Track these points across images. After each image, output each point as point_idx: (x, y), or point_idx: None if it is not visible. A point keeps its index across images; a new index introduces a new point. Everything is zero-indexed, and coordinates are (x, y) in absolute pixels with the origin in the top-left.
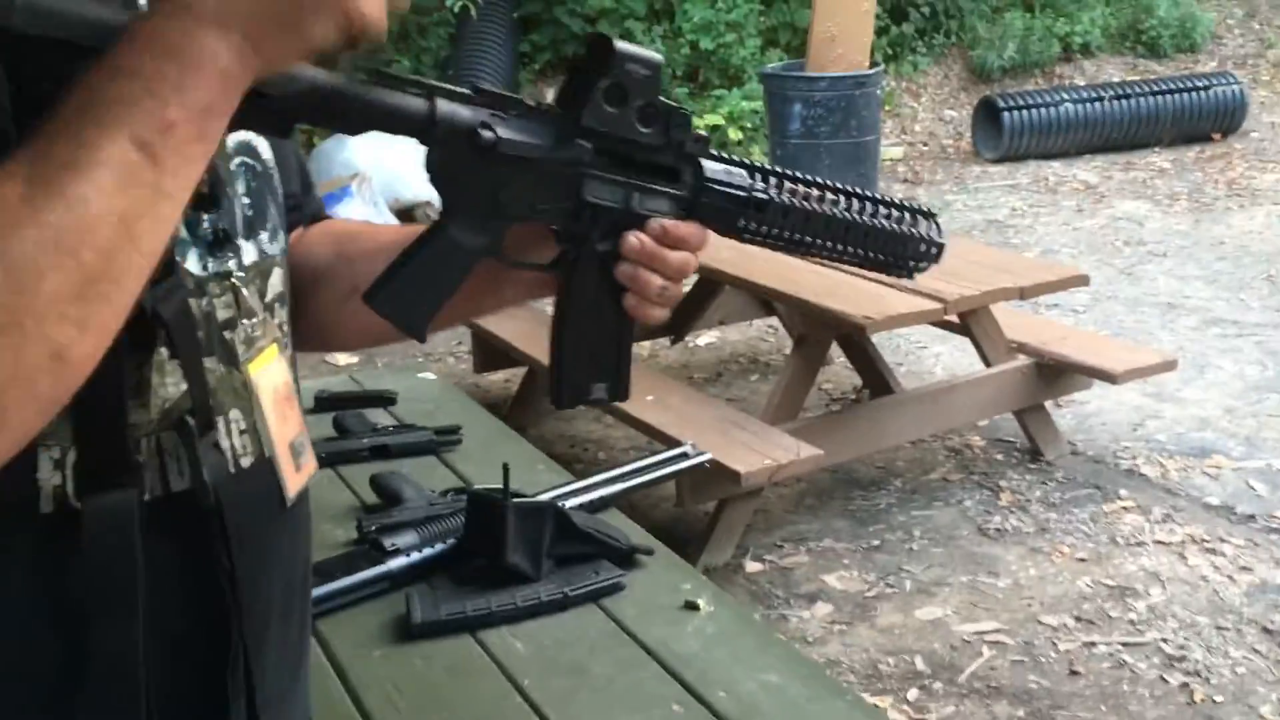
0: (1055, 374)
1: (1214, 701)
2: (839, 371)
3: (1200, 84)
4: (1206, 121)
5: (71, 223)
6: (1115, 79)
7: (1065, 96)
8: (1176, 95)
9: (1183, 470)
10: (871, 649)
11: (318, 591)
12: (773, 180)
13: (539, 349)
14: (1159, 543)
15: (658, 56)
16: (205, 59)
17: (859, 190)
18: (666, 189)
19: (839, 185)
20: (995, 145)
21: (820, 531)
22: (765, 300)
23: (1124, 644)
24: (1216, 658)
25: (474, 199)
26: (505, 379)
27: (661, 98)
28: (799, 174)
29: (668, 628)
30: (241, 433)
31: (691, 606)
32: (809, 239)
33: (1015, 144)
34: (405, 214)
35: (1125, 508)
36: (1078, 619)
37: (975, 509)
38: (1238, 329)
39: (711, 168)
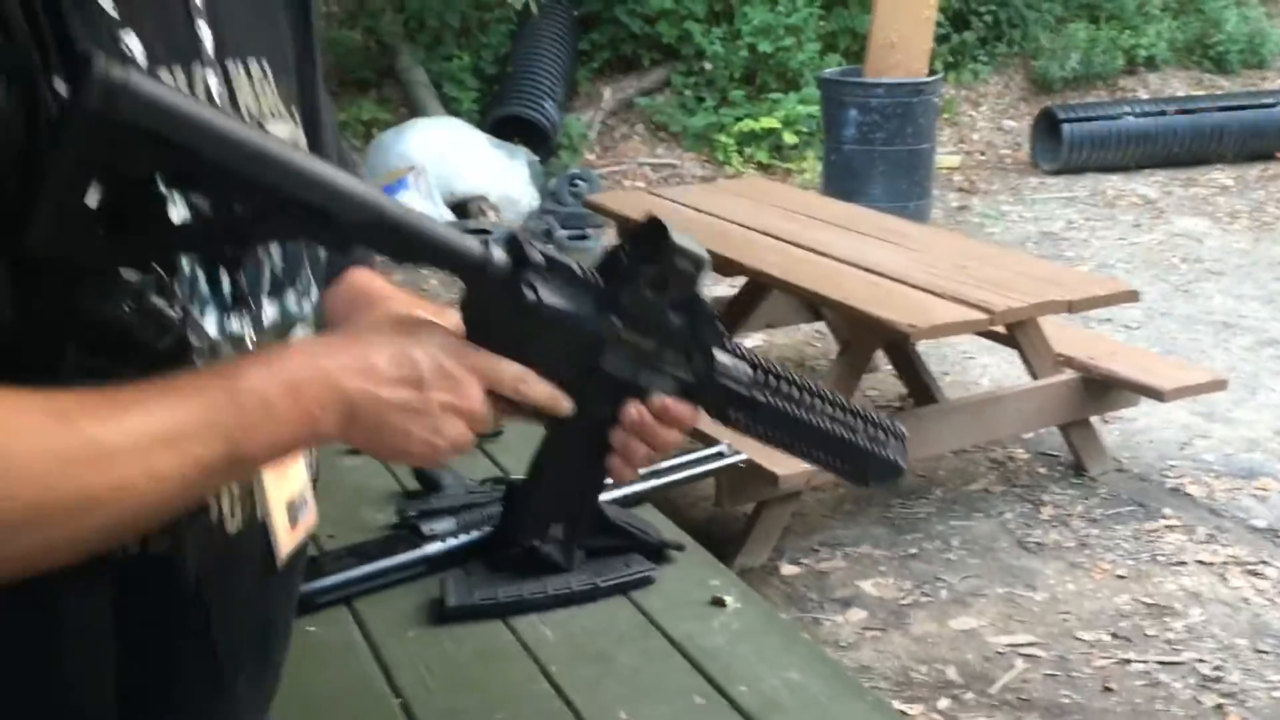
0: (1103, 389)
1: None
2: (884, 379)
3: (1267, 101)
4: (1272, 139)
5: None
6: (1180, 93)
7: (1127, 110)
8: (1242, 111)
9: (1229, 491)
10: (904, 656)
11: (357, 572)
12: (774, 382)
13: None
14: (1201, 563)
15: (705, 254)
16: (324, 422)
17: (845, 402)
18: (676, 372)
19: (830, 394)
20: (1054, 157)
21: (858, 537)
22: (813, 305)
23: (1160, 663)
24: (1254, 680)
25: (499, 345)
26: None
27: (699, 289)
28: (794, 376)
29: (694, 622)
30: (233, 497)
31: (718, 603)
32: (787, 441)
33: (1074, 156)
34: (459, 207)
35: (1169, 526)
36: (1114, 636)
37: (1015, 521)
38: None
39: (722, 361)
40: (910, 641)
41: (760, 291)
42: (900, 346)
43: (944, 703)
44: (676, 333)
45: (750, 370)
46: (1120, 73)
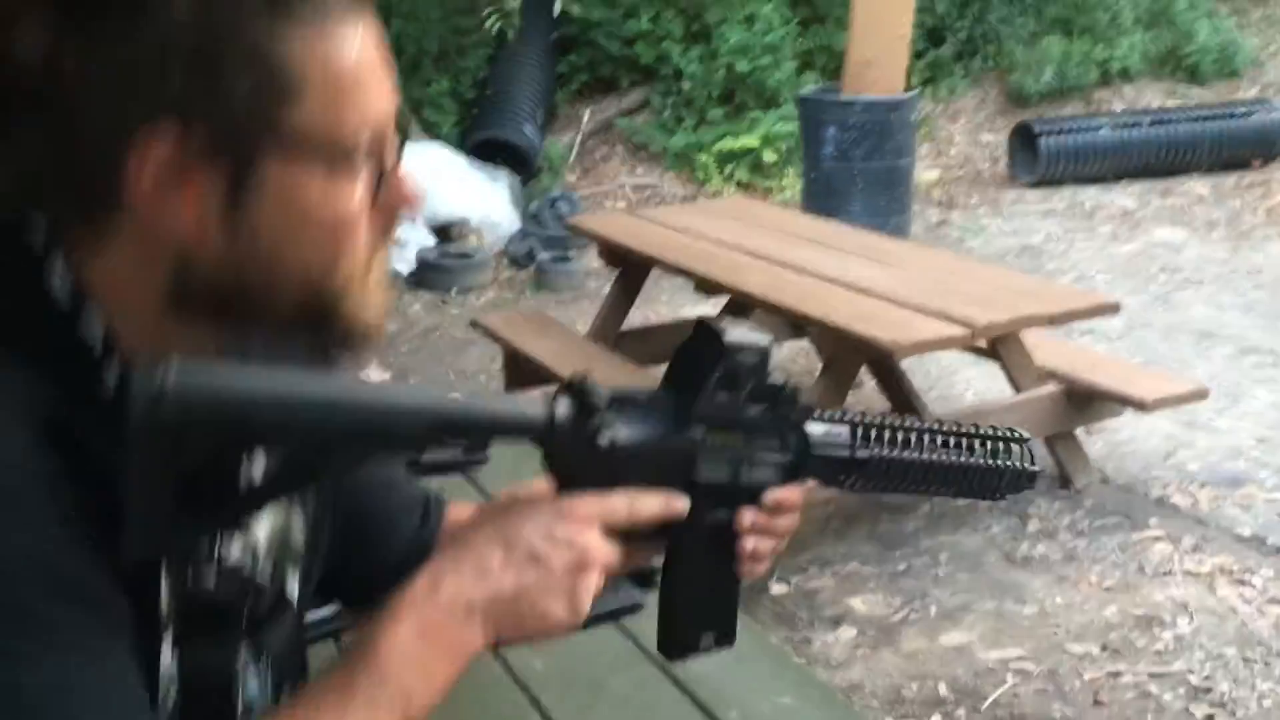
0: (1086, 401)
1: None
2: (869, 395)
3: (1240, 110)
4: (1247, 148)
5: None
6: (1154, 105)
7: (1103, 122)
8: (1216, 121)
9: (1214, 500)
10: (895, 674)
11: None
12: (873, 434)
13: (569, 367)
14: (1188, 573)
15: (765, 340)
16: (470, 644)
17: (956, 427)
18: (773, 458)
19: (936, 426)
20: (1032, 170)
21: (846, 555)
22: (796, 323)
23: (1150, 674)
24: (1243, 690)
25: (590, 490)
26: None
27: (771, 374)
28: (899, 421)
29: None
30: None
31: None
32: (906, 484)
33: (1052, 169)
34: (442, 230)
35: (1155, 537)
36: (1104, 648)
37: (1003, 535)
38: (1274, 358)
39: (815, 433)
40: (901, 659)
41: (744, 310)
42: (884, 362)
43: (936, 718)
44: (762, 422)
45: (848, 432)
46: (1095, 85)
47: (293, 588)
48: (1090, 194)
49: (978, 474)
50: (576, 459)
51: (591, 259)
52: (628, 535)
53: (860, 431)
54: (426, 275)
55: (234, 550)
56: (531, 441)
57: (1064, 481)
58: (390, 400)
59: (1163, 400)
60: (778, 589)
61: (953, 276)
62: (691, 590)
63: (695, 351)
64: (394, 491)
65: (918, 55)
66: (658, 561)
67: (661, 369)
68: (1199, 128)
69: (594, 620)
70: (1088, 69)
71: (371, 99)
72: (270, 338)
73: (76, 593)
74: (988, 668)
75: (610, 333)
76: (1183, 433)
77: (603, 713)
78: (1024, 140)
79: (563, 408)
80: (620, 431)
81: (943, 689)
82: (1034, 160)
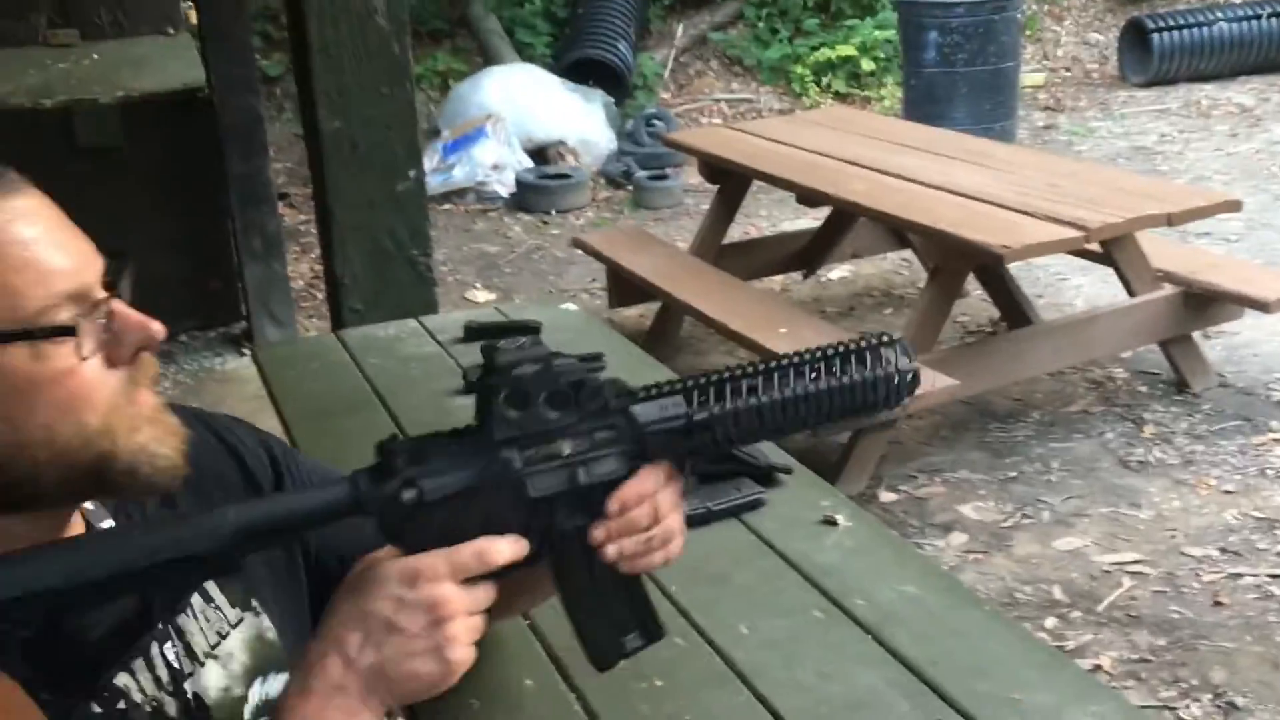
0: (1204, 304)
1: None
2: (975, 304)
3: None
4: None
5: None
6: None
7: (1219, 15)
8: None
9: None
10: (1008, 578)
11: None
12: (712, 392)
13: (673, 283)
14: None
15: (541, 348)
16: (362, 716)
17: (815, 353)
18: (608, 450)
19: (790, 358)
20: (1143, 69)
21: (955, 463)
22: (899, 233)
23: (1271, 575)
24: None
25: (427, 544)
26: (640, 314)
27: (563, 376)
28: (743, 369)
29: (807, 541)
30: None
31: (830, 522)
32: (776, 427)
33: (1165, 67)
34: (538, 153)
35: (1276, 440)
36: (1223, 550)
37: (1117, 441)
38: None
39: (644, 412)
40: (1013, 563)
41: (846, 222)
42: (992, 269)
43: (1051, 621)
44: (577, 422)
45: (681, 399)
46: None
47: (211, 653)
48: (1206, 91)
49: (853, 391)
50: (398, 522)
51: (689, 176)
52: (520, 584)
53: (696, 395)
54: (526, 197)
55: (127, 685)
56: (350, 516)
57: (1181, 386)
58: (190, 532)
59: None
60: (887, 496)
61: (1063, 179)
62: (590, 599)
63: (482, 381)
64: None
65: None
66: (543, 581)
67: (763, 283)
68: None
69: (718, 516)
70: None
71: (51, 266)
72: (61, 509)
73: None
74: (1103, 571)
75: (711, 248)
76: None
77: (729, 603)
78: (1135, 38)
79: (363, 481)
80: (425, 484)
81: (1057, 592)
82: (1146, 59)
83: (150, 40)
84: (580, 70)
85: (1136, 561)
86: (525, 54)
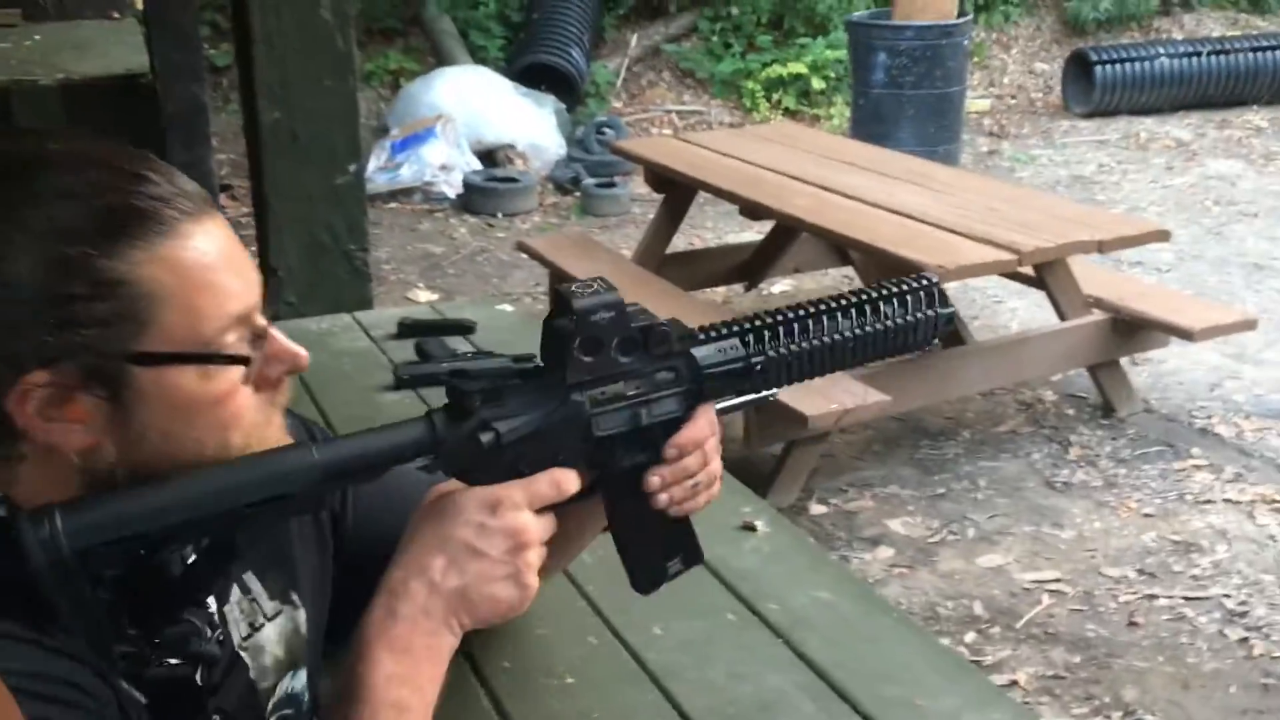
0: (1132, 330)
1: (1272, 657)
2: None
3: None
4: None
5: None
6: (1215, 34)
7: (1161, 51)
8: (1278, 51)
9: (1258, 431)
10: (931, 592)
11: None
12: (766, 335)
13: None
14: (1228, 501)
15: (616, 295)
16: (444, 642)
17: (856, 296)
18: (669, 391)
19: (837, 300)
20: (1086, 100)
21: (886, 478)
22: (841, 250)
23: (1185, 598)
24: (1279, 615)
25: (499, 481)
26: None
27: (633, 322)
28: (792, 312)
29: (726, 546)
30: None
31: (749, 528)
32: (822, 367)
33: (1107, 99)
34: (487, 155)
35: (1196, 466)
36: (1140, 572)
37: (1043, 462)
38: None
39: (704, 354)
40: (938, 578)
41: (788, 236)
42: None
43: (971, 636)
44: (643, 364)
45: (738, 342)
46: (1154, 14)
47: (242, 645)
48: (1145, 125)
49: (895, 333)
50: (471, 461)
51: (636, 185)
52: (573, 520)
53: (752, 336)
54: (472, 198)
55: (186, 630)
56: (426, 456)
57: (1107, 410)
58: (275, 467)
59: (1210, 330)
60: (817, 509)
61: (1000, 203)
62: (639, 530)
63: (556, 324)
64: (405, 497)
65: None
66: (598, 513)
67: (705, 294)
68: (1260, 58)
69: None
70: None
71: (229, 289)
72: None
73: (79, 698)
74: (1023, 589)
75: (655, 257)
76: (1230, 364)
77: (644, 604)
78: (1079, 69)
79: (440, 421)
80: (502, 425)
81: (978, 608)
82: (1089, 90)
83: (95, 24)
84: (533, 75)
85: (1056, 580)
86: (478, 56)
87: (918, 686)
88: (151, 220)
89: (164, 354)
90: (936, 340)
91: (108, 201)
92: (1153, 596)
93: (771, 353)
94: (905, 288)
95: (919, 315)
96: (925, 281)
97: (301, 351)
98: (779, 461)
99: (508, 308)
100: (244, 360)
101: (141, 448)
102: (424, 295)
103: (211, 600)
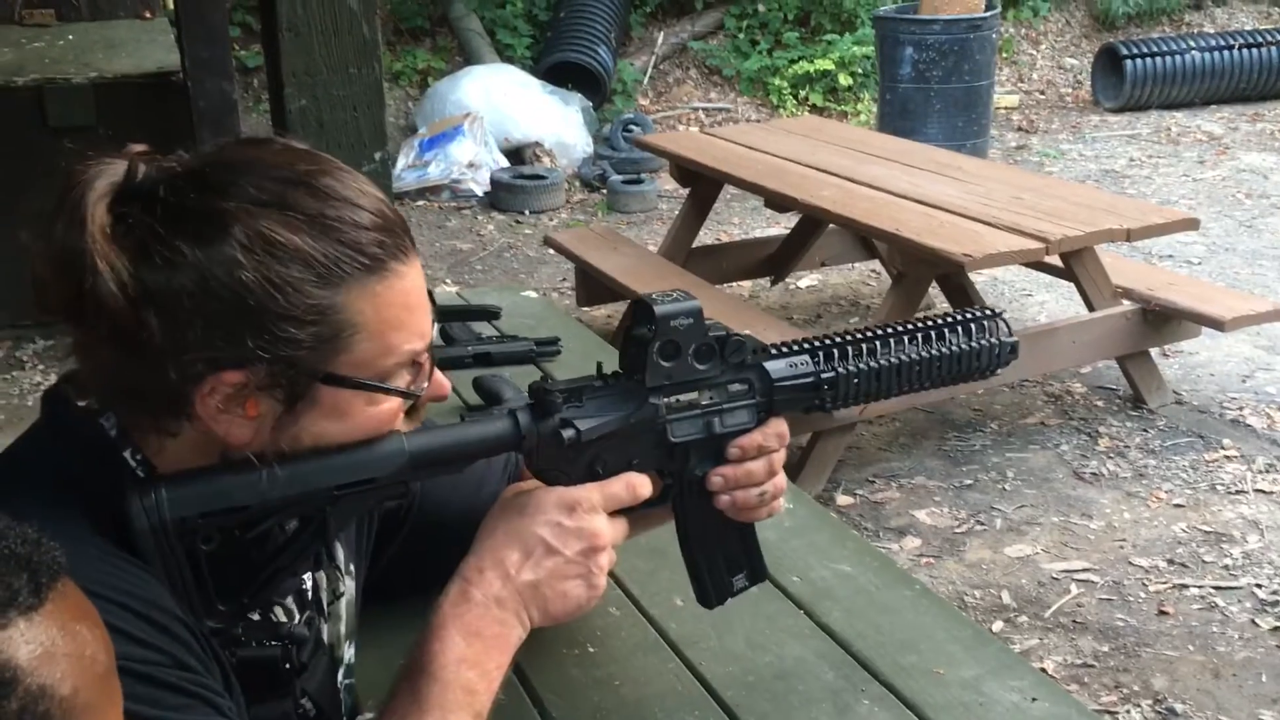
0: (1161, 321)
1: None
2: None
3: None
4: None
5: None
6: (1248, 27)
7: (1192, 44)
8: None
9: None
10: (958, 582)
11: None
12: (835, 353)
13: (641, 284)
14: (1260, 491)
15: (695, 303)
16: (512, 633)
17: (924, 321)
18: (742, 403)
19: (904, 325)
20: (1116, 94)
21: (913, 469)
22: (868, 243)
23: (1216, 587)
24: None
25: (575, 480)
26: (608, 314)
27: (710, 331)
28: (862, 333)
29: None
30: None
31: None
32: (888, 389)
33: (1137, 93)
34: (514, 153)
35: (1228, 456)
36: (1170, 562)
37: (1072, 453)
38: None
39: (776, 368)
40: (965, 568)
41: (814, 228)
42: (955, 279)
43: (999, 625)
44: (718, 374)
45: (808, 358)
46: (1185, 7)
47: (326, 632)
48: (1176, 119)
49: (959, 359)
50: (551, 458)
51: (663, 182)
52: (630, 511)
53: (822, 354)
54: (500, 196)
55: (277, 610)
56: (510, 451)
57: (1137, 401)
58: (367, 455)
59: (1241, 319)
60: (843, 500)
61: (1027, 193)
62: (706, 541)
63: (636, 331)
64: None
65: None
66: (658, 518)
67: (732, 288)
68: None
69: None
70: None
71: (415, 326)
72: None
73: (194, 666)
74: (1051, 578)
75: (681, 250)
76: (1262, 356)
77: (665, 577)
78: (1109, 63)
79: (524, 417)
80: (583, 424)
81: (1006, 597)
82: (1118, 84)
83: (126, 23)
84: (560, 73)
85: (1085, 570)
86: (505, 55)
87: (938, 656)
88: (364, 256)
89: (352, 379)
90: (1000, 372)
91: (328, 230)
92: (1183, 586)
93: (840, 370)
94: (970, 316)
95: (983, 343)
96: (990, 311)
97: (448, 385)
98: (805, 453)
99: (532, 294)
100: (413, 395)
101: (289, 444)
102: (452, 291)
103: (307, 578)
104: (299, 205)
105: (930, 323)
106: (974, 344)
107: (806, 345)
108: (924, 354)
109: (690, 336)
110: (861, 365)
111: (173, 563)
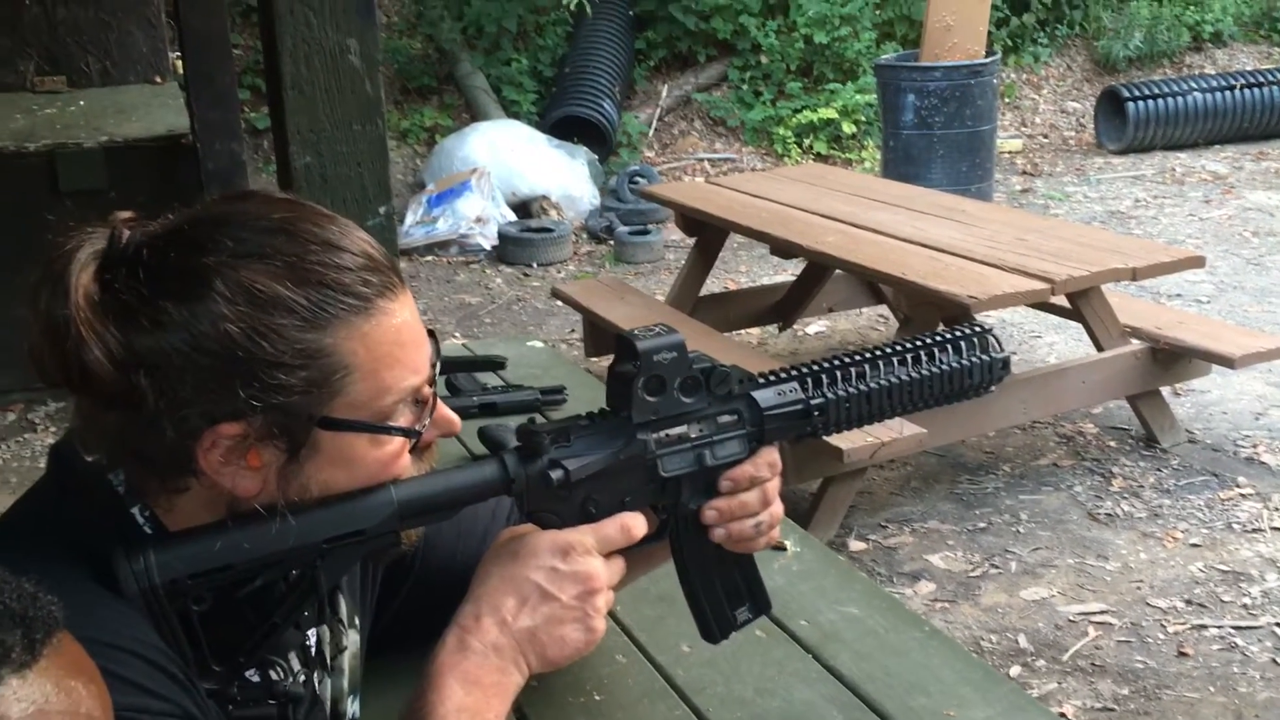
0: (1171, 359)
1: None
2: None
3: None
4: None
5: None
6: (1249, 67)
7: (1193, 85)
8: None
9: None
10: (974, 626)
11: None
12: (824, 379)
13: None
14: (1277, 529)
15: (678, 337)
16: (511, 680)
17: (912, 341)
18: (732, 434)
19: (892, 346)
20: (1119, 136)
21: (925, 513)
22: (875, 288)
23: (1236, 627)
24: None
25: (567, 521)
26: None
27: (695, 364)
28: (850, 357)
29: None
30: None
31: (779, 547)
32: (880, 411)
33: (1140, 135)
34: (522, 208)
35: (1243, 495)
36: (1188, 602)
37: (1085, 494)
38: None
39: (765, 397)
40: (980, 612)
41: (820, 275)
42: (961, 320)
43: (1015, 669)
44: (706, 406)
45: (797, 385)
46: (1186, 49)
47: (330, 686)
48: (1181, 159)
49: (951, 378)
50: (541, 500)
51: (670, 232)
52: (634, 557)
53: (810, 380)
54: (508, 250)
55: (277, 668)
56: (499, 495)
57: (1149, 441)
58: (357, 508)
59: (1251, 356)
60: (856, 545)
61: (1031, 234)
62: (705, 575)
63: (620, 368)
64: (470, 517)
65: (1000, 23)
66: (656, 555)
67: (740, 335)
68: None
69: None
70: (1178, 33)
71: (410, 362)
72: None
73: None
74: (1069, 621)
75: (688, 299)
76: (1274, 393)
77: (672, 624)
78: (1111, 106)
79: (512, 460)
80: (571, 463)
81: (1022, 641)
82: (1121, 126)
83: (137, 88)
84: (565, 127)
85: (1102, 612)
86: (511, 111)
87: (950, 698)
88: (349, 296)
89: (349, 421)
90: (993, 389)
91: (309, 274)
92: (1202, 626)
93: (830, 395)
94: (960, 334)
95: (973, 360)
96: (978, 328)
97: (457, 420)
98: (816, 499)
99: (538, 343)
100: (415, 433)
101: (298, 493)
102: (458, 343)
103: (311, 633)
104: (278, 252)
105: (920, 343)
106: (965, 361)
107: (795, 372)
108: (914, 374)
109: (675, 370)
110: (851, 389)
111: (164, 625)
